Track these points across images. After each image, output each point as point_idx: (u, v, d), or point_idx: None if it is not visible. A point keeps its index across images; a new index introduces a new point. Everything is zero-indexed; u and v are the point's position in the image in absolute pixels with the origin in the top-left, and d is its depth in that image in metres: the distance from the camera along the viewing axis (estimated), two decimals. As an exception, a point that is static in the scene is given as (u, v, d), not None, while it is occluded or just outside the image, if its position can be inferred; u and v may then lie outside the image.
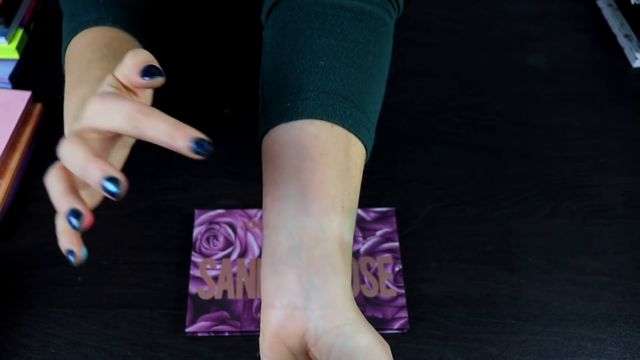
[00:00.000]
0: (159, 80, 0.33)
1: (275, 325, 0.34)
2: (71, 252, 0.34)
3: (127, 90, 0.35)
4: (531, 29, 0.82)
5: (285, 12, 0.45)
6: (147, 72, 0.33)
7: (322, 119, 0.39)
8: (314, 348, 0.34)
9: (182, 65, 0.75)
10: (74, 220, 0.32)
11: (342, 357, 0.33)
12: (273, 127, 0.40)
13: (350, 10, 0.43)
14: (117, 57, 0.42)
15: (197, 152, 0.30)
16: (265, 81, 0.44)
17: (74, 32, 0.48)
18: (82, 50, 0.46)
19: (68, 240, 0.34)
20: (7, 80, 0.71)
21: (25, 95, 0.66)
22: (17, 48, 0.71)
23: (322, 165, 0.38)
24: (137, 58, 0.33)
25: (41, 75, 0.74)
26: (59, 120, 0.69)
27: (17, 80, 0.72)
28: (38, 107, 0.68)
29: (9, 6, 0.70)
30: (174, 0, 0.81)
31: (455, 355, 0.53)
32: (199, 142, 0.30)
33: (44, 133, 0.68)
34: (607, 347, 0.54)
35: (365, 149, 0.42)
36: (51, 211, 0.64)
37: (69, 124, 0.42)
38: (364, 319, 0.35)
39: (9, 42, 0.71)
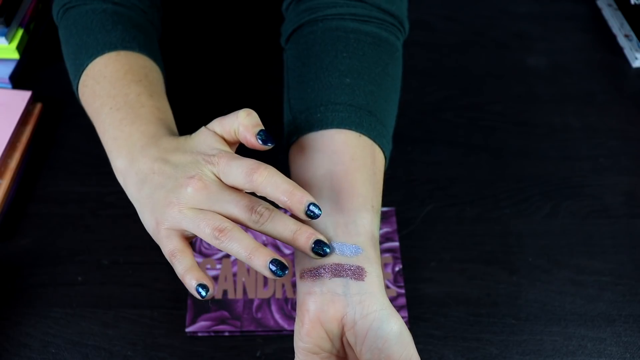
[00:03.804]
0: (269, 147, 0.39)
1: (315, 310, 0.37)
2: (204, 286, 0.37)
3: (223, 140, 0.40)
4: (531, 29, 0.82)
5: (308, 35, 0.48)
6: (263, 136, 0.39)
7: (350, 129, 0.43)
8: (349, 332, 0.37)
9: (182, 66, 0.75)
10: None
11: (377, 339, 0.36)
12: (303, 135, 0.44)
13: (370, 36, 0.47)
14: (159, 95, 0.47)
15: (308, 215, 0.36)
16: (291, 95, 0.47)
17: (98, 51, 0.48)
18: (119, 76, 0.46)
19: (200, 275, 0.37)
20: (7, 80, 0.71)
21: (25, 95, 0.66)
22: (17, 48, 0.71)
23: (352, 169, 0.41)
24: (251, 119, 0.39)
25: (41, 75, 0.74)
26: (58, 120, 0.69)
27: (17, 80, 0.72)
28: (38, 107, 0.68)
29: (9, 6, 0.70)
30: (177, 11, 0.81)
31: (455, 355, 0.53)
32: (311, 206, 0.36)
33: (44, 133, 0.68)
34: (607, 347, 0.54)
35: (385, 158, 0.45)
36: (51, 211, 0.64)
37: (134, 156, 0.41)
38: (392, 305, 0.38)
39: (9, 42, 0.71)
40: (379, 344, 0.36)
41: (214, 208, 0.37)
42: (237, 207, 0.36)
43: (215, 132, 0.40)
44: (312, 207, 0.36)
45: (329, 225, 0.39)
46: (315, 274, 0.38)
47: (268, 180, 0.36)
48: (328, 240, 0.38)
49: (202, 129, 0.41)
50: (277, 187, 0.36)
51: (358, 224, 0.39)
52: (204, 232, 0.36)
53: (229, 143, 0.41)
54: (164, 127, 0.44)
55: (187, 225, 0.37)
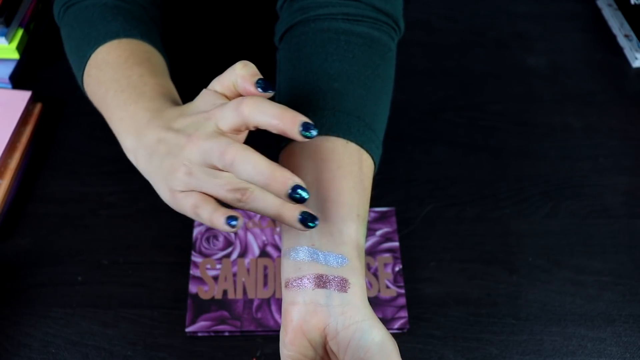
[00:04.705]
0: (270, 94, 0.37)
1: (298, 319, 0.38)
2: (234, 217, 0.36)
3: (225, 97, 0.39)
4: (531, 29, 0.82)
5: (300, 36, 0.48)
6: (262, 84, 0.37)
7: (338, 135, 0.42)
8: (332, 341, 0.38)
9: (179, 64, 0.75)
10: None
11: (359, 350, 0.36)
12: (292, 141, 0.43)
13: (361, 36, 0.47)
14: (162, 74, 0.47)
15: (304, 135, 0.34)
16: (281, 99, 0.47)
17: (100, 40, 0.48)
18: (122, 61, 0.46)
19: (226, 211, 0.37)
20: (7, 80, 0.71)
21: (25, 95, 0.66)
22: (17, 48, 0.71)
23: (339, 177, 0.41)
24: (249, 69, 0.37)
25: (41, 75, 0.74)
26: (58, 120, 0.69)
27: (17, 80, 0.72)
28: (38, 107, 0.68)
29: (9, 6, 0.70)
30: (173, 8, 0.81)
31: (455, 355, 0.53)
32: (303, 125, 0.34)
33: (44, 133, 0.68)
34: (607, 347, 0.54)
35: (374, 163, 0.45)
36: (51, 211, 0.64)
37: (141, 132, 0.41)
38: (376, 315, 0.38)
39: (9, 42, 0.71)
40: (360, 354, 0.36)
41: (207, 161, 0.36)
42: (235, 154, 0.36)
43: (215, 91, 0.39)
44: (305, 128, 0.34)
45: (315, 234, 0.39)
46: (299, 284, 0.38)
47: (255, 107, 0.35)
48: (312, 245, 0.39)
49: (203, 90, 0.40)
50: (266, 112, 0.35)
51: (343, 233, 0.39)
52: (220, 192, 0.36)
53: (230, 99, 0.39)
54: (168, 100, 0.43)
55: (199, 186, 0.37)
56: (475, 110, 0.72)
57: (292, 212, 0.36)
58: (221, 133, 0.36)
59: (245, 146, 0.35)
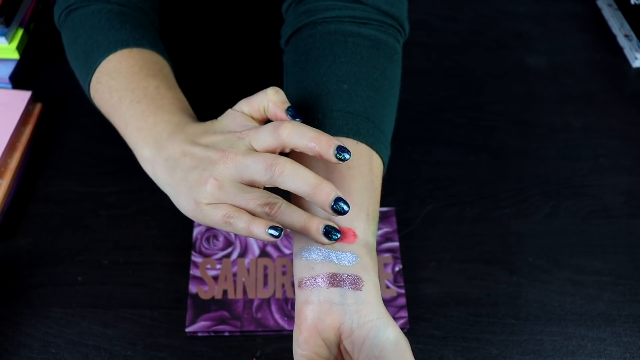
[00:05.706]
0: (299, 122, 0.39)
1: (313, 318, 0.38)
2: (276, 227, 0.37)
3: (252, 119, 0.41)
4: (531, 29, 0.82)
5: (307, 39, 0.48)
6: (292, 112, 0.40)
7: (347, 136, 0.43)
8: (347, 340, 0.38)
9: (182, 66, 0.75)
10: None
11: (374, 348, 0.36)
12: None
13: (368, 39, 0.47)
14: (176, 88, 0.48)
15: (338, 158, 0.37)
16: (290, 101, 0.48)
17: (111, 48, 0.48)
18: (135, 71, 0.47)
19: (265, 222, 0.37)
20: (7, 80, 0.71)
21: (25, 95, 0.66)
22: (17, 48, 0.71)
23: (349, 177, 0.42)
24: (280, 96, 0.41)
25: (41, 75, 0.74)
26: (59, 120, 0.69)
27: (17, 80, 0.72)
28: (38, 107, 0.68)
29: (9, 6, 0.70)
30: (177, 11, 0.81)
31: (455, 355, 0.53)
32: (338, 150, 0.37)
33: (44, 133, 0.68)
34: (607, 347, 0.54)
35: (383, 163, 0.45)
36: (51, 211, 0.64)
37: (162, 144, 0.42)
38: (389, 314, 0.38)
39: (9, 42, 0.71)
40: (375, 352, 0.36)
41: (245, 176, 0.38)
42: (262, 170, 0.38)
43: (243, 112, 0.41)
44: (340, 151, 0.37)
45: None
46: (313, 283, 0.38)
47: (293, 130, 0.37)
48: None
49: (229, 111, 0.42)
50: (303, 135, 0.37)
51: None
52: (249, 205, 0.37)
53: (257, 121, 0.42)
54: (187, 115, 0.44)
55: (229, 199, 0.38)
56: (475, 110, 0.72)
57: (317, 225, 0.38)
58: (247, 152, 0.38)
59: (292, 160, 0.37)
